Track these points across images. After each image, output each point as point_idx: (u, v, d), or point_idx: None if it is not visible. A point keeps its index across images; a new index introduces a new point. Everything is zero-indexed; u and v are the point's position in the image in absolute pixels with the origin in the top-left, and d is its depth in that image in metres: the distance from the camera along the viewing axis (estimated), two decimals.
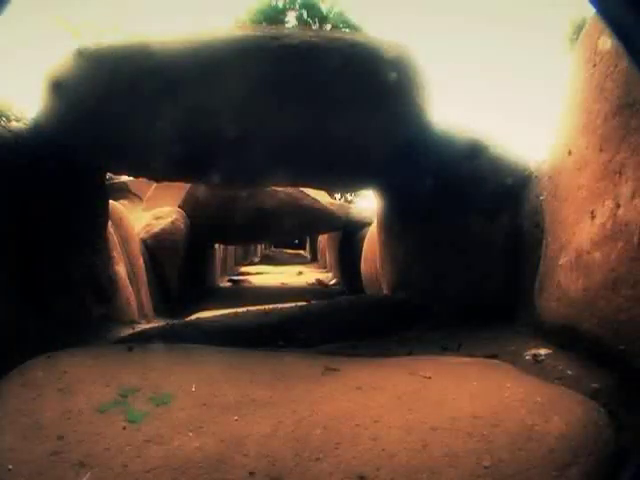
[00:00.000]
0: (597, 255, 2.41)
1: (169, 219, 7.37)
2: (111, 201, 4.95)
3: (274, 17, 15.83)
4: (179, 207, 8.00)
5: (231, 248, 13.66)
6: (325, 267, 14.40)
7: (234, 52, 3.06)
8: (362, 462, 1.67)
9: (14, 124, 3.68)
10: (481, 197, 3.65)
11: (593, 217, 2.47)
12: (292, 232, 11.72)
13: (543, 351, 2.74)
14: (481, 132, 3.83)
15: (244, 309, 4.75)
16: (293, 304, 4.94)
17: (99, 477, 1.60)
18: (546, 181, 3.24)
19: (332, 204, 9.32)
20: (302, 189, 8.08)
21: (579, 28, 3.56)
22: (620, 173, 2.27)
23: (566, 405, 1.96)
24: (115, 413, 1.96)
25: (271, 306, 4.78)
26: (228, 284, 10.95)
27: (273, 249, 24.40)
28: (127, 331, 4.09)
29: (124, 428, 1.85)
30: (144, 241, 6.76)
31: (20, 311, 3.17)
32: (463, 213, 3.72)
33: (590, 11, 2.76)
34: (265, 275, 13.49)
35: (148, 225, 7.18)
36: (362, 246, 7.55)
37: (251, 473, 1.63)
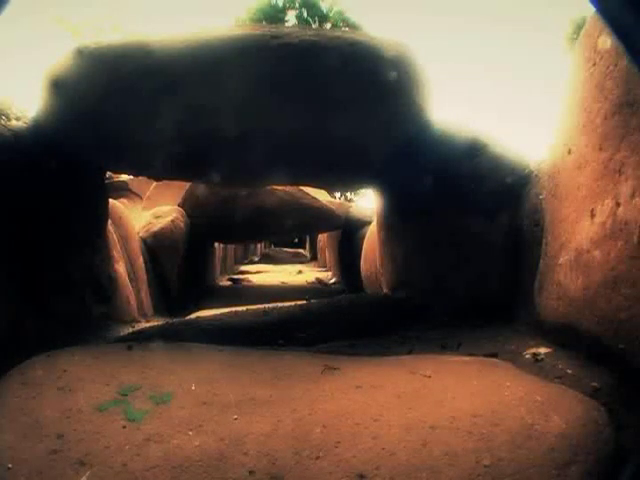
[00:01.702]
0: (597, 254, 2.40)
1: (169, 218, 7.37)
2: (111, 200, 4.95)
3: (274, 16, 15.84)
4: (179, 206, 8.00)
5: (231, 247, 13.67)
6: (325, 266, 14.40)
7: (234, 51, 3.06)
8: (362, 461, 1.67)
9: (14, 123, 3.68)
10: (481, 196, 3.65)
11: (593, 216, 2.47)
12: (292, 231, 11.71)
13: (543, 350, 2.74)
14: (481, 131, 3.83)
15: (244, 308, 4.76)
16: (293, 303, 4.95)
17: (99, 476, 1.60)
18: (546, 180, 3.23)
19: (332, 203, 9.33)
20: (302, 188, 8.08)
21: (579, 27, 3.56)
22: (620, 172, 2.27)
23: (566, 404, 1.96)
24: (115, 412, 1.96)
25: (271, 305, 4.78)
26: (228, 283, 10.94)
27: (273, 248, 24.42)
28: (127, 330, 4.10)
29: (124, 427, 1.85)
30: (144, 240, 6.76)
31: (20, 311, 3.17)
32: (463, 212, 3.72)
33: (590, 10, 2.76)
34: (265, 274, 13.49)
35: (148, 224, 7.17)
36: (362, 245, 7.54)
37: (251, 472, 1.63)
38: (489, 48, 31.16)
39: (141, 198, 9.17)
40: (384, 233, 4.97)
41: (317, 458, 1.69)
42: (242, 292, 9.33)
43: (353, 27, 15.74)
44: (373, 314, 4.12)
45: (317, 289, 9.64)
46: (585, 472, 1.60)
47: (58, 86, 3.25)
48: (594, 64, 2.54)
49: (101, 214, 4.39)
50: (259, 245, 21.43)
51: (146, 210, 7.98)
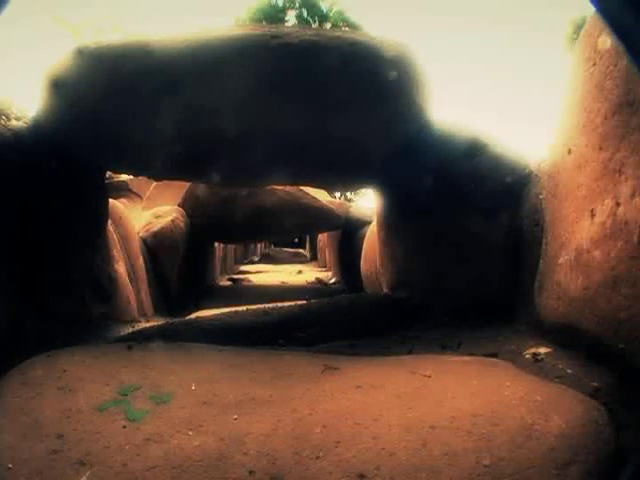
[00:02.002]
0: (597, 254, 2.40)
1: (169, 218, 7.37)
2: (111, 200, 4.95)
3: (274, 16, 15.85)
4: (179, 206, 8.00)
5: (231, 247, 13.67)
6: (325, 266, 14.40)
7: (234, 51, 3.06)
8: (362, 461, 1.67)
9: (14, 123, 3.68)
10: (481, 196, 3.65)
11: (593, 216, 2.47)
12: (292, 231, 11.73)
13: (543, 350, 2.74)
14: (481, 131, 3.83)
15: (244, 308, 4.75)
16: (293, 303, 4.95)
17: (99, 476, 1.60)
18: (546, 180, 3.24)
19: (332, 203, 9.32)
20: (302, 188, 8.08)
21: (579, 27, 3.56)
22: (620, 172, 2.27)
23: (566, 404, 1.96)
24: (115, 412, 1.96)
25: (271, 305, 4.78)
26: (228, 283, 10.94)
27: (273, 248, 24.42)
28: (127, 330, 4.09)
29: (124, 427, 1.85)
30: (144, 240, 6.76)
31: (20, 311, 3.17)
32: (463, 212, 3.72)
33: (590, 10, 2.76)
34: (265, 274, 13.49)
35: (148, 224, 7.18)
36: (362, 245, 7.54)
37: (251, 472, 1.63)
38: (489, 48, 31.22)
39: (141, 198, 9.17)
40: (384, 233, 4.97)
41: (317, 458, 1.69)
42: (242, 292, 9.33)
43: (353, 27, 15.75)
44: (373, 314, 4.12)
45: (317, 289, 9.63)
46: (585, 472, 1.60)
47: (58, 86, 3.25)
48: (594, 64, 2.54)
49: (101, 214, 4.39)
50: (259, 245, 21.43)
51: (146, 210, 7.98)
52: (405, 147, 3.72)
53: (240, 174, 4.59)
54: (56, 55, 3.26)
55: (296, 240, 24.58)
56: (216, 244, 10.58)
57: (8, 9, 1.24)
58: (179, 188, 8.03)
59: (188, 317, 5.13)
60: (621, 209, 2.24)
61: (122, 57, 3.16)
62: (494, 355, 2.79)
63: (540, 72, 22.90)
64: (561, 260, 2.81)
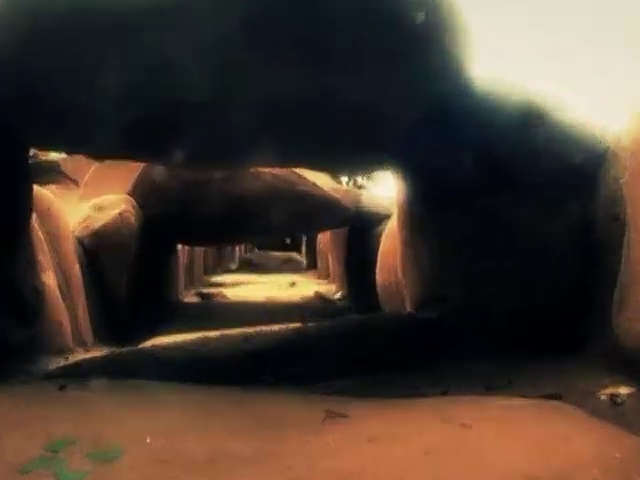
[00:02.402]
0: None
1: (115, 211, 7.37)
2: (36, 186, 4.94)
3: None
4: (128, 194, 7.99)
5: (199, 250, 13.67)
6: (327, 276, 14.42)
7: None
8: None
9: None
10: (539, 180, 3.65)
11: None
12: (282, 228, 11.70)
13: (623, 390, 2.74)
14: (540, 92, 3.83)
15: (217, 333, 4.76)
16: (284, 326, 4.95)
17: None
18: (629, 160, 3.23)
19: (336, 190, 9.27)
20: (296, 170, 8.04)
21: None
22: None
23: None
24: (43, 474, 1.95)
25: (254, 329, 4.79)
26: (195, 299, 10.97)
27: (257, 252, 24.44)
28: (58, 363, 4.09)
29: None
30: (81, 240, 6.76)
31: None
32: (513, 201, 3.73)
33: None
34: (245, 286, 13.53)
35: (87, 219, 7.17)
36: (377, 247, 7.55)
37: None
38: None
39: (78, 184, 9.17)
40: (407, 231, 4.97)
41: None
42: (214, 311, 9.34)
43: None
44: (392, 341, 4.13)
45: (316, 307, 9.65)
46: None
47: None
48: None
49: (23, 204, 4.38)
50: (237, 248, 21.45)
51: (84, 200, 7.97)
52: (436, 114, 3.73)
53: (212, 151, 4.59)
54: None
55: (288, 241, 24.59)
56: (179, 247, 10.59)
57: None
58: (129, 171, 8.01)
59: (142, 345, 5.14)
60: None
61: None
62: (557, 397, 2.79)
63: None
64: None
